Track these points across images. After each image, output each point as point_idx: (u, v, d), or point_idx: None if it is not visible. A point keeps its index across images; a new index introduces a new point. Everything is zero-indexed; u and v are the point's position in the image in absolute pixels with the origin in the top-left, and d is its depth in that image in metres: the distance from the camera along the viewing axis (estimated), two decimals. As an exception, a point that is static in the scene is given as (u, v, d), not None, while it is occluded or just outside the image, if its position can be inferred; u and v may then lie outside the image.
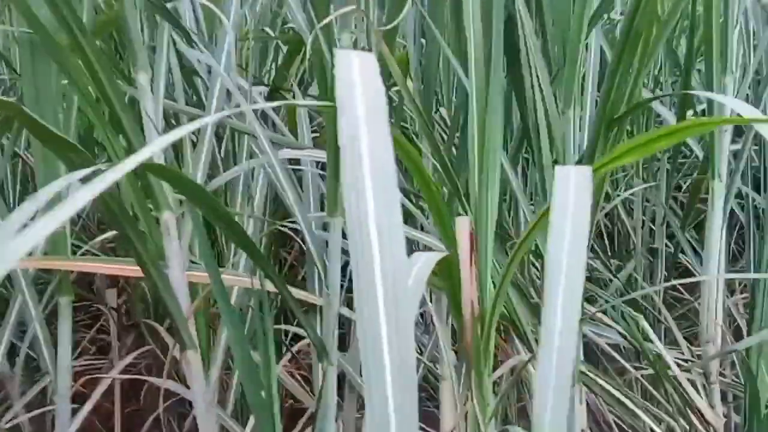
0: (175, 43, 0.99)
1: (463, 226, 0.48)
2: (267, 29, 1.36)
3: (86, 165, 0.69)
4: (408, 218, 0.96)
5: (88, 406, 1.00)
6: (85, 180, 0.48)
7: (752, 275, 1.01)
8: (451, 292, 0.58)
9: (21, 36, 0.78)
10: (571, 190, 0.41)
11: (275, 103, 1.05)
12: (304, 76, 1.41)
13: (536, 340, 0.98)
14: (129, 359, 1.26)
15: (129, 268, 0.85)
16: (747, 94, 1.03)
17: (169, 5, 0.98)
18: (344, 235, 0.87)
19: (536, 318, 1.07)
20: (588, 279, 1.54)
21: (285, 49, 1.43)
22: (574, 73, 0.76)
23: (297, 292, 0.89)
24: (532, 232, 0.63)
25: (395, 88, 1.04)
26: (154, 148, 0.47)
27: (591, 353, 1.22)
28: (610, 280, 1.37)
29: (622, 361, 1.17)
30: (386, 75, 0.84)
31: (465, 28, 0.63)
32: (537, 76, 0.78)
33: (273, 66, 1.44)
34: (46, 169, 0.81)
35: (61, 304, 0.93)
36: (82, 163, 0.64)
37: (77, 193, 0.57)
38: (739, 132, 1.15)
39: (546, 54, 0.82)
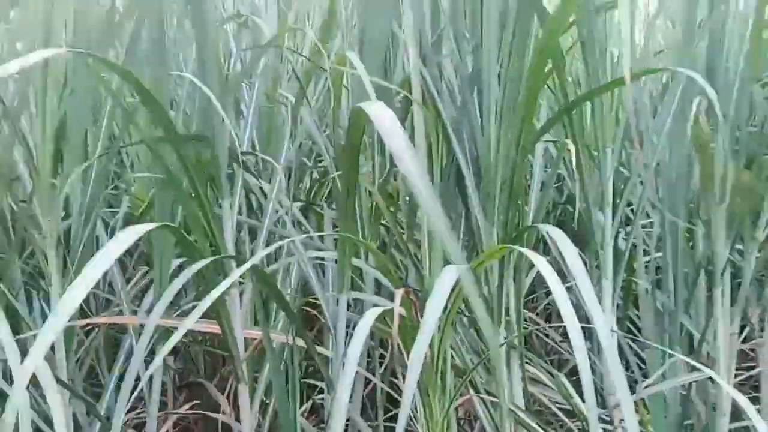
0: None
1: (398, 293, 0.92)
2: (305, 159, 1.86)
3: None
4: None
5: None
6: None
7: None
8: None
9: (155, 179, 1.27)
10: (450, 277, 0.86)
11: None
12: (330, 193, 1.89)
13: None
14: (186, 407, 1.69)
15: (210, 327, 1.29)
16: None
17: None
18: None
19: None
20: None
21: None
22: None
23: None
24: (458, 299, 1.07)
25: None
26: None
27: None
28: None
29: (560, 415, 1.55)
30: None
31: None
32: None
33: (309, 184, 1.93)
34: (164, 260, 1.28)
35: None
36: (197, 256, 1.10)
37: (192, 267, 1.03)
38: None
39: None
